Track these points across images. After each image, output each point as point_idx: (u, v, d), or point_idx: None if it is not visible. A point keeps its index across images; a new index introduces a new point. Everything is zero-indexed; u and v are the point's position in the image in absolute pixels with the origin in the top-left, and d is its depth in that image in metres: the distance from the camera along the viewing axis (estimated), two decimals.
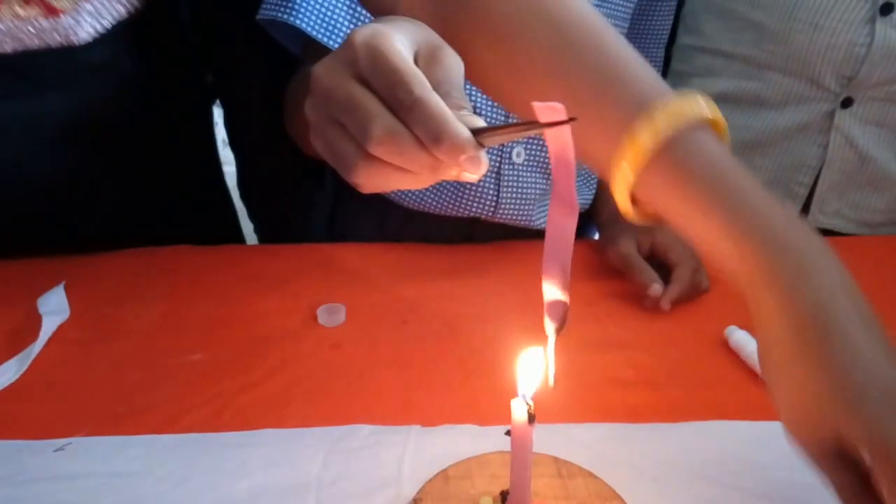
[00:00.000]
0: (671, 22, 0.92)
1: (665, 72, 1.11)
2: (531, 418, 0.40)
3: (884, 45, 0.85)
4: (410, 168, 0.34)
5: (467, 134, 0.33)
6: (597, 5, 0.74)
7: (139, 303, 0.68)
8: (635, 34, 0.87)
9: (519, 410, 0.39)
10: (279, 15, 0.65)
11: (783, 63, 0.92)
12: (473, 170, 0.34)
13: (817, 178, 0.95)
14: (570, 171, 0.35)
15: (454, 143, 0.33)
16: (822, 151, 0.93)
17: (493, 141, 0.35)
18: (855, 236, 0.95)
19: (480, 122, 0.35)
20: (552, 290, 0.39)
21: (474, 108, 0.73)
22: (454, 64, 0.37)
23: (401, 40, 0.35)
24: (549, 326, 0.38)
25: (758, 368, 0.59)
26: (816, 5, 0.87)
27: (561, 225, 0.37)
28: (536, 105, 0.33)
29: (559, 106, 0.33)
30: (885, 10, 0.84)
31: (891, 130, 0.92)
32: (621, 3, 0.77)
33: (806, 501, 0.47)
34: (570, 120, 0.33)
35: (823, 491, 0.48)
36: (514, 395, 0.40)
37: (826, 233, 0.95)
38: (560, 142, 0.35)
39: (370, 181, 0.36)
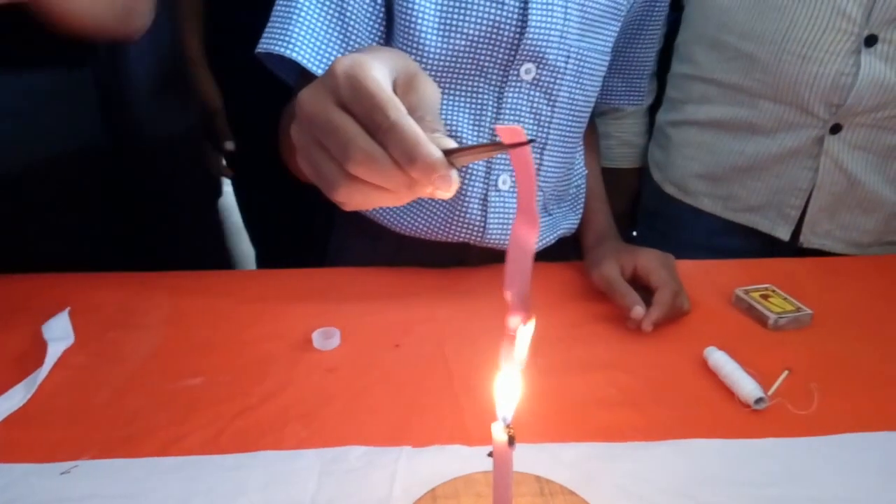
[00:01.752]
0: (654, 54, 0.95)
1: (660, 99, 1.14)
2: (511, 440, 0.41)
3: (869, 75, 0.88)
4: (387, 186, 0.37)
5: (439, 154, 0.36)
6: (579, 39, 0.76)
7: (141, 328, 0.70)
8: (619, 65, 0.90)
9: (499, 433, 0.41)
10: (277, 48, 0.68)
11: (773, 92, 0.94)
12: (445, 187, 0.37)
13: (808, 200, 0.97)
14: (531, 187, 0.38)
15: (427, 162, 0.35)
16: (813, 175, 0.96)
17: (463, 161, 0.38)
18: (845, 256, 0.97)
19: (452, 144, 0.38)
20: (514, 296, 0.41)
21: (456, 131, 0.76)
22: (429, 90, 0.40)
23: (379, 69, 0.38)
24: (514, 321, 0.40)
25: (735, 388, 0.61)
26: (804, 38, 0.90)
27: (523, 236, 0.39)
28: (499, 128, 0.36)
29: (519, 128, 0.36)
30: (870, 42, 0.87)
31: (878, 155, 0.94)
32: (605, 37, 0.80)
33: None
34: (531, 141, 0.36)
35: None
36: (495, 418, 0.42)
37: (817, 253, 0.98)
38: (523, 161, 0.37)
39: (351, 199, 0.39)
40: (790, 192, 0.98)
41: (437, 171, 0.36)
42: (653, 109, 1.16)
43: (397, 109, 0.36)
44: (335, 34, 0.70)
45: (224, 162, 1.27)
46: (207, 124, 1.20)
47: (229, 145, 1.23)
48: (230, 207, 1.44)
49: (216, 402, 0.60)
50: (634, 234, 1.20)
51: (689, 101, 1.06)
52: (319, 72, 0.69)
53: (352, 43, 0.71)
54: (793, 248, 1.00)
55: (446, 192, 0.37)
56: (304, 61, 0.68)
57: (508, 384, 0.41)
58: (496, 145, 0.37)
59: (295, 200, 1.16)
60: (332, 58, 0.70)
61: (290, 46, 0.68)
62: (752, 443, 0.56)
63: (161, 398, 0.60)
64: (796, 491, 0.51)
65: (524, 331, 0.40)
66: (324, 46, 0.70)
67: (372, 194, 0.38)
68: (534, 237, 0.39)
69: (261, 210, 1.36)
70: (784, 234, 1.00)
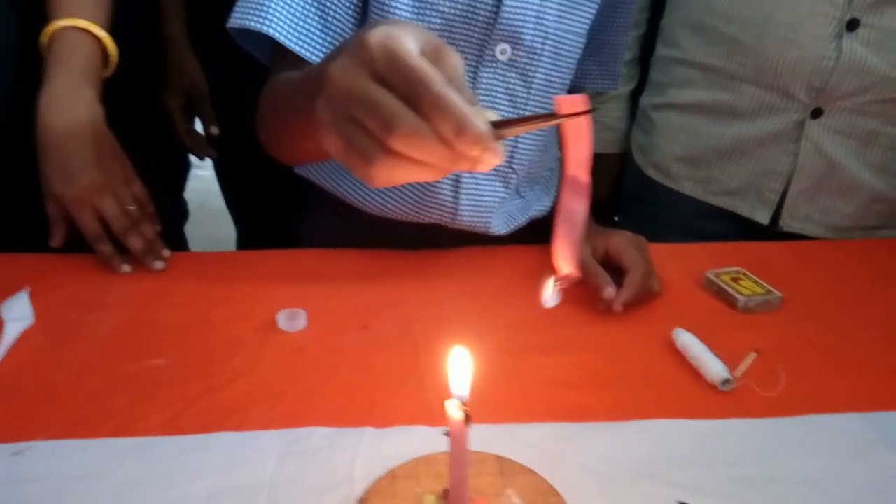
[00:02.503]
0: (627, 37, 0.94)
1: (643, 82, 1.13)
2: (467, 418, 0.41)
3: (851, 59, 0.87)
4: (429, 161, 0.37)
5: (486, 127, 0.35)
6: (556, 21, 0.75)
7: (102, 309, 0.69)
8: (594, 49, 0.89)
9: (454, 411, 0.40)
10: (252, 23, 0.67)
11: (755, 75, 0.94)
12: (492, 160, 0.36)
13: (788, 184, 0.97)
14: (586, 160, 0.38)
15: (475, 135, 0.35)
16: (793, 159, 0.95)
17: (510, 133, 0.37)
18: (818, 241, 0.97)
19: (493, 116, 0.37)
20: (563, 264, 0.41)
21: None
22: (457, 61, 0.39)
23: (410, 41, 0.37)
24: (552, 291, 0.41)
25: (702, 370, 0.60)
26: (787, 21, 0.89)
27: (572, 207, 0.40)
28: (559, 98, 0.36)
29: (581, 98, 0.35)
30: (852, 26, 0.86)
31: (858, 140, 0.93)
32: (582, 18, 0.79)
33: (742, 497, 0.49)
34: (589, 111, 0.35)
35: (761, 487, 0.49)
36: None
37: (797, 237, 0.98)
38: (578, 132, 0.37)
39: (387, 174, 0.38)
40: (770, 175, 0.97)
41: (486, 144, 0.35)
42: (637, 94, 1.15)
43: (441, 82, 0.35)
44: (312, 10, 0.69)
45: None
46: (192, 107, 1.18)
47: (215, 130, 1.21)
48: (212, 192, 1.43)
49: (177, 384, 0.59)
50: (616, 218, 1.19)
51: (673, 84, 1.05)
52: (298, 49, 0.68)
53: (329, 19, 0.70)
54: (772, 233, 1.00)
55: (490, 166, 0.37)
56: (282, 37, 0.67)
57: (462, 363, 0.40)
58: (546, 116, 0.37)
59: (277, 179, 1.15)
60: (311, 34, 0.69)
61: (267, 22, 0.67)
62: (718, 423, 0.55)
63: (121, 380, 0.59)
64: (759, 471, 0.51)
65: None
66: (301, 22, 0.68)
67: (408, 168, 0.38)
68: (583, 206, 0.39)
69: (243, 189, 1.34)
70: (763, 217, 0.99)
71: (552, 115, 0.36)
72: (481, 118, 0.35)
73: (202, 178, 1.56)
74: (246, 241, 1.42)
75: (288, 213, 1.06)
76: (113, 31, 0.79)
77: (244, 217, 1.39)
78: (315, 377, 0.60)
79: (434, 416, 0.55)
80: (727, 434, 0.55)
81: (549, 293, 0.41)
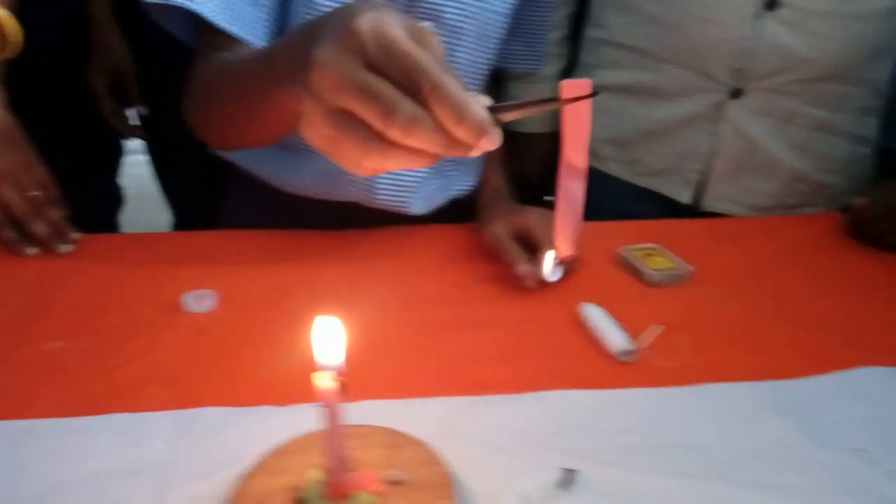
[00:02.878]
0: (552, 17, 0.95)
1: (574, 63, 1.13)
2: (342, 388, 0.41)
3: (770, 39, 0.89)
4: (428, 149, 0.36)
5: (485, 113, 0.35)
6: (479, 1, 0.75)
7: (7, 291, 0.67)
8: (519, 29, 0.89)
9: (324, 382, 0.40)
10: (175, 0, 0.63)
11: (677, 56, 0.95)
12: (490, 146, 0.36)
13: (710, 165, 0.98)
14: (584, 143, 0.38)
15: (475, 122, 0.34)
16: (714, 140, 0.97)
17: (510, 117, 0.37)
18: (741, 217, 0.98)
19: (488, 101, 0.36)
20: (563, 243, 0.42)
21: None
22: (438, 45, 0.38)
23: (397, 25, 0.36)
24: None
25: (604, 342, 0.61)
26: (707, 1, 0.90)
27: (571, 188, 0.40)
28: (564, 83, 0.35)
29: (586, 82, 0.35)
30: (771, 6, 0.88)
31: (778, 120, 0.95)
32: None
33: (628, 463, 0.49)
34: (591, 94, 0.35)
35: (649, 453, 0.50)
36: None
37: (719, 216, 0.99)
38: (578, 116, 0.37)
39: (379, 163, 0.37)
40: (691, 156, 0.99)
41: (486, 131, 0.35)
42: (569, 75, 1.16)
43: (438, 70, 0.35)
44: None
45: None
46: (118, 87, 1.15)
47: (143, 110, 1.18)
48: (146, 178, 1.40)
49: (74, 366, 0.57)
50: (546, 198, 1.20)
51: (600, 65, 1.06)
52: (229, 27, 0.65)
53: None
54: (699, 214, 1.01)
55: (484, 151, 0.36)
56: (211, 15, 0.64)
57: (333, 335, 0.40)
58: (545, 100, 0.36)
59: (208, 163, 1.13)
60: (242, 11, 0.66)
61: None
62: (614, 393, 0.56)
63: (17, 362, 0.58)
64: (650, 438, 0.52)
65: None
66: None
67: (406, 157, 0.37)
68: (581, 187, 0.40)
69: (174, 174, 1.32)
70: (686, 198, 1.01)
71: (552, 100, 0.36)
72: (479, 104, 0.35)
73: (145, 163, 1.53)
74: (180, 227, 1.40)
75: (221, 198, 1.05)
76: (31, 10, 0.77)
77: (178, 202, 1.37)
78: (216, 358, 0.59)
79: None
80: (623, 403, 0.55)
81: (549, 268, 0.42)
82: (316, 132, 0.38)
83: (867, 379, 0.60)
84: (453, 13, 0.74)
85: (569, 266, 0.71)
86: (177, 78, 0.73)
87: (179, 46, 0.74)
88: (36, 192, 0.74)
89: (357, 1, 0.39)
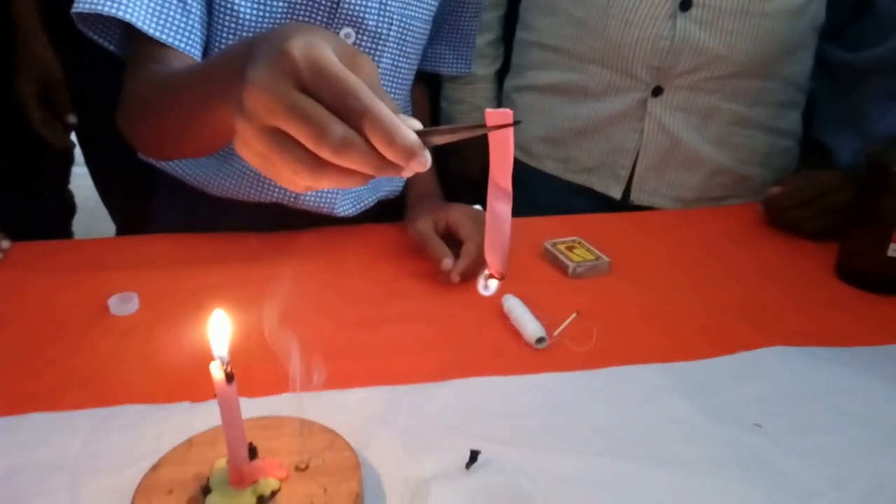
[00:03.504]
0: (478, 21, 0.97)
1: (507, 65, 1.16)
2: (229, 377, 0.42)
3: (684, 38, 0.92)
4: (360, 169, 0.37)
5: (415, 137, 0.36)
6: (402, 7, 0.77)
7: None
8: (444, 33, 0.91)
9: (216, 372, 0.41)
10: (104, 8, 0.63)
11: (601, 56, 0.98)
12: (420, 168, 0.37)
13: (637, 160, 1.02)
14: (508, 167, 0.40)
15: (404, 145, 0.36)
16: (639, 137, 1.00)
17: (437, 141, 0.39)
18: (670, 210, 1.02)
19: (418, 124, 0.38)
20: (493, 261, 0.44)
21: None
22: (373, 68, 0.40)
23: (329, 49, 0.37)
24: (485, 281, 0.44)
25: (521, 330, 0.63)
26: (626, 2, 0.94)
27: (499, 209, 0.42)
28: (488, 111, 0.37)
29: (509, 112, 0.37)
30: (685, 7, 0.92)
31: (697, 115, 0.99)
32: (427, 4, 0.81)
33: (531, 443, 0.52)
34: (516, 123, 0.37)
35: (553, 434, 0.52)
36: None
37: (647, 209, 1.03)
38: (502, 142, 0.39)
39: (313, 182, 0.38)
40: (620, 153, 1.02)
41: (415, 153, 0.36)
42: (502, 75, 1.18)
43: (369, 93, 0.36)
44: None
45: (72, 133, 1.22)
46: (47, 94, 1.14)
47: (72, 119, 1.17)
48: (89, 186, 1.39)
49: None
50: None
51: (530, 66, 1.08)
52: (161, 35, 0.65)
53: (188, 3, 0.68)
54: (629, 207, 1.05)
55: (414, 172, 0.38)
56: (142, 24, 0.64)
57: (221, 325, 0.41)
58: (472, 126, 0.38)
59: (142, 168, 1.13)
60: (173, 19, 0.66)
61: (123, 7, 0.63)
62: (527, 378, 0.59)
63: None
64: (555, 420, 0.54)
65: (493, 286, 0.45)
66: (159, 7, 0.66)
67: (339, 176, 0.38)
68: (508, 207, 0.42)
69: (113, 181, 1.31)
70: (616, 193, 1.04)
71: (478, 126, 0.38)
72: (409, 127, 0.37)
73: None
74: (121, 233, 1.39)
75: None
76: None
77: (117, 208, 1.36)
78: (138, 359, 0.60)
79: (255, 388, 0.56)
80: (535, 388, 0.58)
81: (483, 284, 0.44)
82: (249, 150, 0.40)
83: (768, 358, 0.63)
84: (376, 20, 0.76)
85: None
86: (108, 86, 0.74)
87: (110, 54, 0.74)
88: None
89: (291, 24, 0.40)
